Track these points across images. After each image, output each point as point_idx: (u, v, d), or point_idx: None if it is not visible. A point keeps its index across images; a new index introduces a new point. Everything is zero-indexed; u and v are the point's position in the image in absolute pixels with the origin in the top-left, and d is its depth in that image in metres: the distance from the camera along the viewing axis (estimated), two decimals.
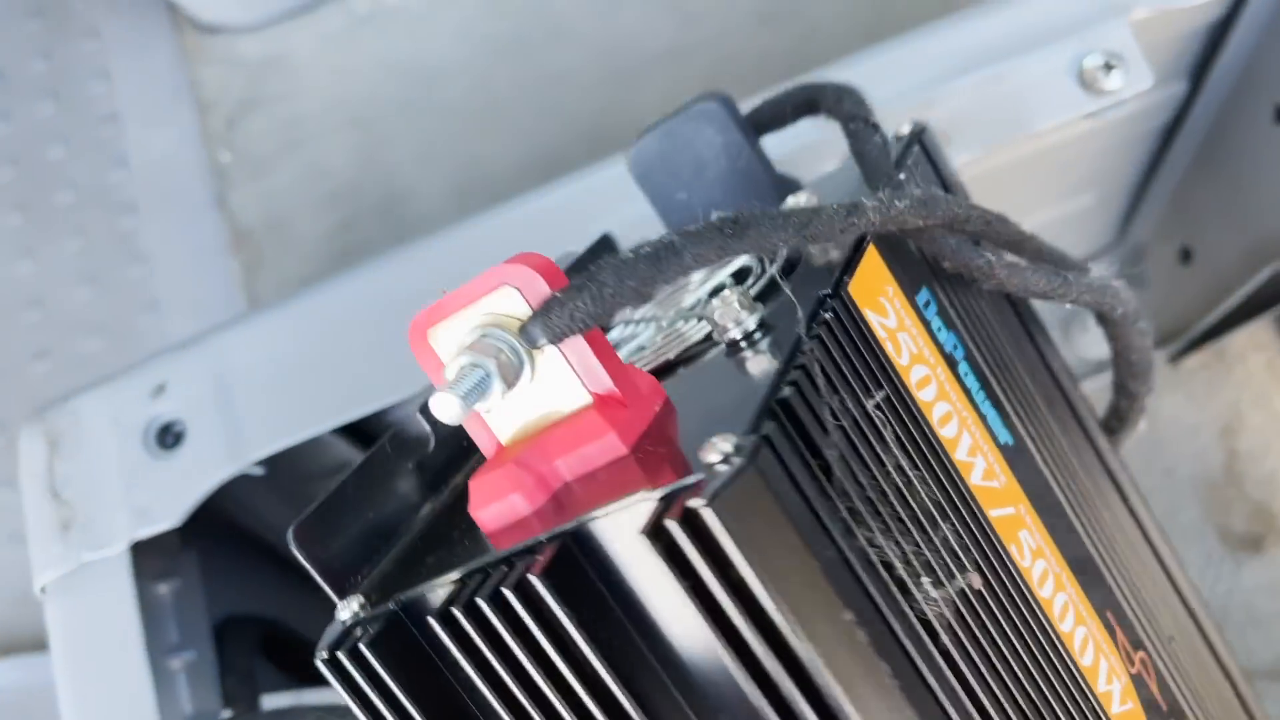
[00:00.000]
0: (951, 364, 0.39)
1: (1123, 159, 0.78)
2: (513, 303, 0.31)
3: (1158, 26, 0.63)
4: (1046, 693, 0.36)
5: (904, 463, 0.33)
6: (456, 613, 0.30)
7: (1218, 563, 0.77)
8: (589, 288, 0.30)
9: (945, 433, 0.36)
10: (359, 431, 0.75)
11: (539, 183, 0.64)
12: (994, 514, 0.37)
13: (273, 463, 0.66)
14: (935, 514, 0.33)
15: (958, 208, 0.37)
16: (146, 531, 0.59)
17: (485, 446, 0.34)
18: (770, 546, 0.26)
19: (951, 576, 0.33)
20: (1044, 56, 0.59)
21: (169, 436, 0.61)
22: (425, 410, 0.39)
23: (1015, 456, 0.40)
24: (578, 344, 0.31)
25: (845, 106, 0.42)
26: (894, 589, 0.30)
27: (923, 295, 0.39)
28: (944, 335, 0.39)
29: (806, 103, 0.45)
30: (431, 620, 0.30)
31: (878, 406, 0.33)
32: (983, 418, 0.39)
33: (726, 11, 1.02)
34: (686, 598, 0.26)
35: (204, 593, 0.70)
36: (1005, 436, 0.40)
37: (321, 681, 0.33)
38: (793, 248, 0.35)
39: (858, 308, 0.34)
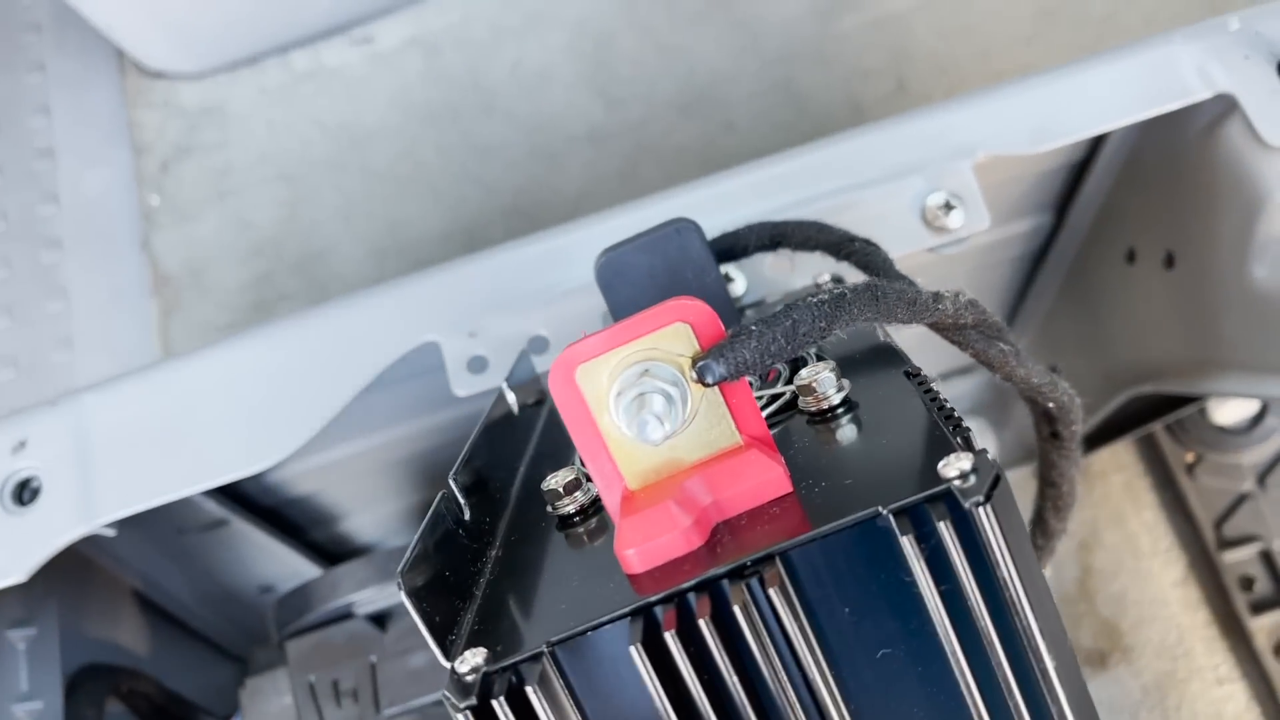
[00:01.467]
0: None
1: (994, 281, 0.81)
2: (681, 339, 0.33)
3: (1014, 164, 0.67)
4: None
5: None
6: (669, 638, 0.31)
7: None
8: (781, 323, 0.32)
9: None
10: (230, 494, 0.77)
11: (458, 250, 0.66)
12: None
13: (132, 522, 0.67)
14: None
15: (983, 313, 0.41)
16: None
17: (610, 485, 0.34)
18: (1015, 541, 0.30)
19: None
20: (892, 190, 0.61)
21: (25, 492, 0.62)
22: (458, 477, 0.41)
23: None
24: (742, 384, 0.33)
25: (828, 236, 0.46)
26: None
27: None
28: None
29: (770, 239, 0.49)
30: (635, 651, 0.30)
31: None
32: None
33: (649, 100, 1.05)
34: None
35: (60, 641, 0.71)
36: None
37: None
38: (901, 321, 0.37)
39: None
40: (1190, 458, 0.83)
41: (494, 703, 0.31)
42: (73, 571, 0.74)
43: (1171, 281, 0.68)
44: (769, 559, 0.31)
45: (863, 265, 0.46)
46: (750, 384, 0.43)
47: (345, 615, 0.66)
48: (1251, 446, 0.80)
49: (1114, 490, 0.84)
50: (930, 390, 0.38)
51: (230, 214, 1.08)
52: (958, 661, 0.31)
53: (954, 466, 0.30)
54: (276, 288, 1.04)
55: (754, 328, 0.32)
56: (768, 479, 0.33)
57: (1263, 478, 0.80)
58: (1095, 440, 0.81)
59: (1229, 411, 0.81)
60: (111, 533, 0.62)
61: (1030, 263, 0.79)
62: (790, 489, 0.33)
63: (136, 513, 0.61)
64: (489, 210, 1.05)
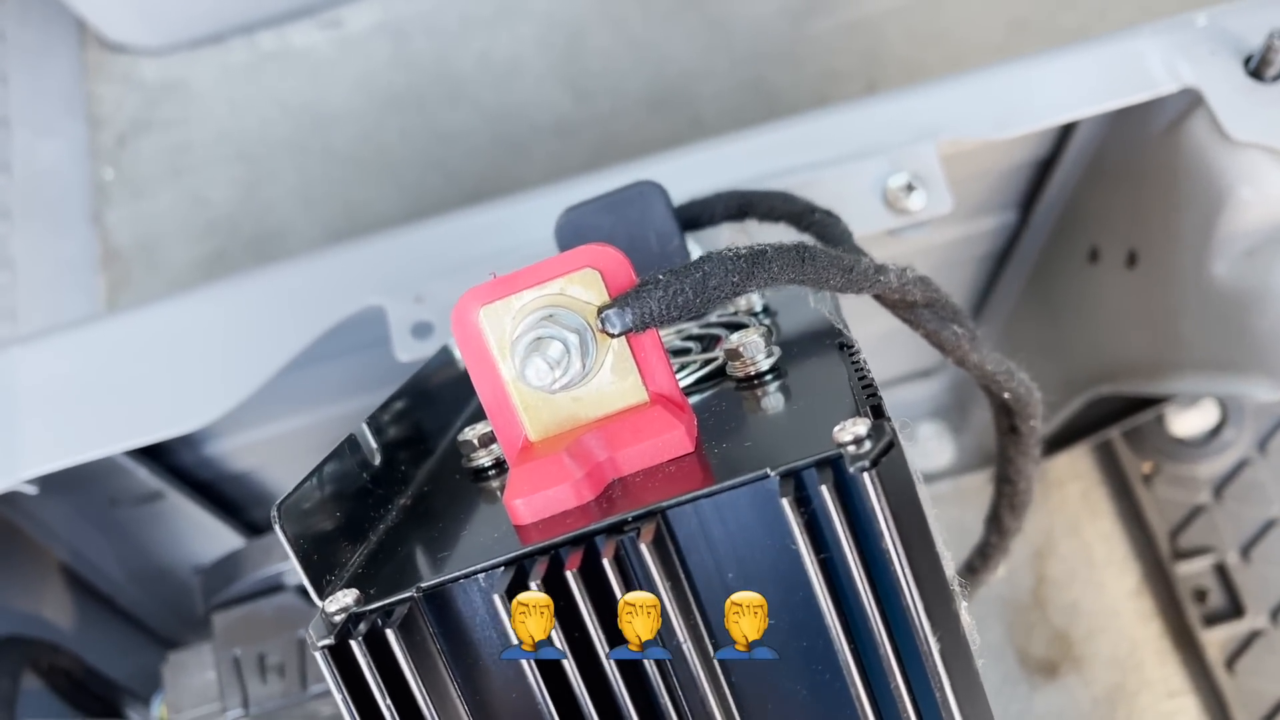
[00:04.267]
0: None
1: (959, 280, 0.80)
2: (591, 287, 0.31)
3: (981, 157, 0.66)
4: None
5: None
6: (534, 587, 0.29)
7: (1013, 684, 0.78)
8: (691, 275, 0.30)
9: None
10: (167, 465, 0.74)
11: None
12: None
13: (68, 483, 0.65)
14: None
15: (935, 291, 0.40)
16: None
17: (510, 437, 0.33)
18: (904, 513, 0.29)
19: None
20: (854, 171, 0.60)
21: None
22: (372, 422, 0.39)
23: None
24: (652, 338, 0.31)
25: (791, 206, 0.45)
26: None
27: None
28: None
29: (738, 208, 0.47)
30: (497, 599, 0.29)
31: None
32: None
33: (618, 94, 1.04)
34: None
35: None
36: None
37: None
38: (835, 289, 0.36)
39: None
40: (1147, 468, 0.82)
41: (352, 643, 0.30)
42: None
43: (1133, 280, 0.67)
44: (650, 516, 0.29)
45: (821, 235, 0.45)
46: (690, 349, 0.42)
47: (275, 587, 0.64)
48: (1209, 458, 0.80)
49: (1071, 499, 0.83)
50: (858, 362, 0.36)
51: (186, 191, 1.06)
52: (837, 636, 0.29)
53: (849, 431, 0.29)
54: (229, 266, 1.02)
55: (662, 278, 0.30)
56: (668, 438, 0.32)
57: (1219, 490, 0.79)
58: (1054, 445, 0.80)
59: (1187, 423, 0.81)
60: (32, 490, 0.60)
61: (994, 262, 0.79)
62: (690, 448, 0.32)
63: (61, 468, 0.58)
64: (450, 197, 1.04)
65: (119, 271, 1.03)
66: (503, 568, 0.30)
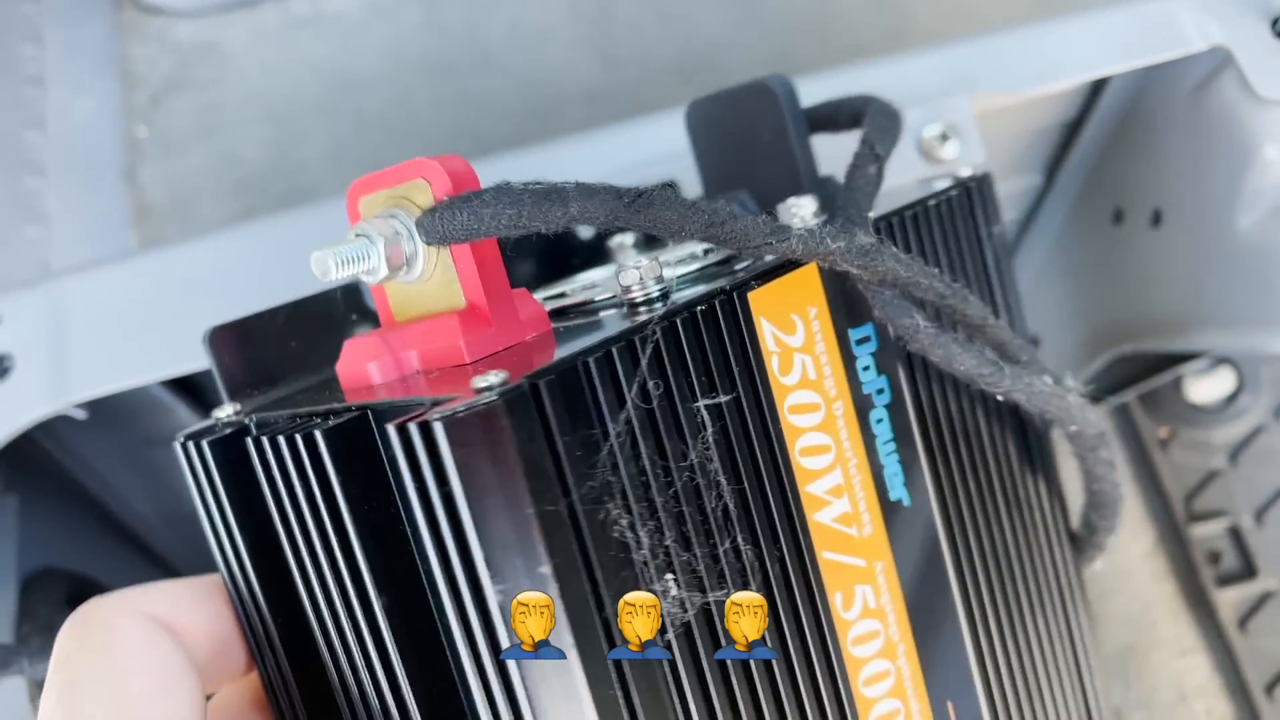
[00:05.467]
0: (862, 405, 0.38)
1: None
2: (422, 195, 0.33)
3: (1012, 117, 0.67)
4: None
5: (718, 469, 0.33)
6: (265, 442, 0.32)
7: None
8: (472, 203, 0.31)
9: (804, 461, 0.36)
10: (206, 404, 0.76)
11: None
12: (828, 555, 0.36)
13: (109, 415, 0.66)
14: (733, 528, 0.33)
15: (904, 269, 0.35)
16: None
17: (382, 318, 0.35)
18: (487, 479, 0.27)
19: (720, 588, 0.32)
20: None
21: None
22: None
23: (902, 517, 0.39)
24: (464, 251, 0.32)
25: (872, 128, 0.42)
26: (621, 569, 0.30)
27: (863, 330, 0.39)
28: (868, 375, 0.39)
29: (856, 114, 0.45)
30: (249, 440, 0.33)
31: (716, 407, 0.33)
32: (878, 467, 0.39)
33: (647, 63, 1.06)
34: (410, 497, 0.29)
35: (18, 539, 0.69)
36: (899, 494, 0.39)
37: None
38: (704, 241, 0.34)
39: (750, 314, 0.34)
40: (1164, 433, 0.83)
41: (190, 442, 0.34)
42: (38, 473, 0.73)
43: (1158, 239, 0.69)
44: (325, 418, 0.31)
45: (848, 176, 0.42)
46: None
47: None
48: (1225, 424, 0.81)
49: None
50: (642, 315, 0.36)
51: (218, 150, 1.07)
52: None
53: (488, 379, 0.28)
54: (243, 220, 1.03)
55: (470, 200, 0.31)
56: (445, 345, 0.32)
57: (1234, 455, 0.81)
58: None
59: (1204, 389, 0.82)
60: (81, 415, 0.61)
61: (1017, 227, 0.80)
62: (465, 360, 0.32)
63: (109, 393, 0.60)
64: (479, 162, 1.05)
65: (151, 228, 1.04)
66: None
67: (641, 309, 0.34)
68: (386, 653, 0.31)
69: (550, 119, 1.06)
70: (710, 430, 0.32)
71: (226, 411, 0.36)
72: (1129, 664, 0.78)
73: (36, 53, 1.14)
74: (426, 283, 0.33)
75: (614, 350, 0.30)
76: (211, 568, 0.37)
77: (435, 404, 0.28)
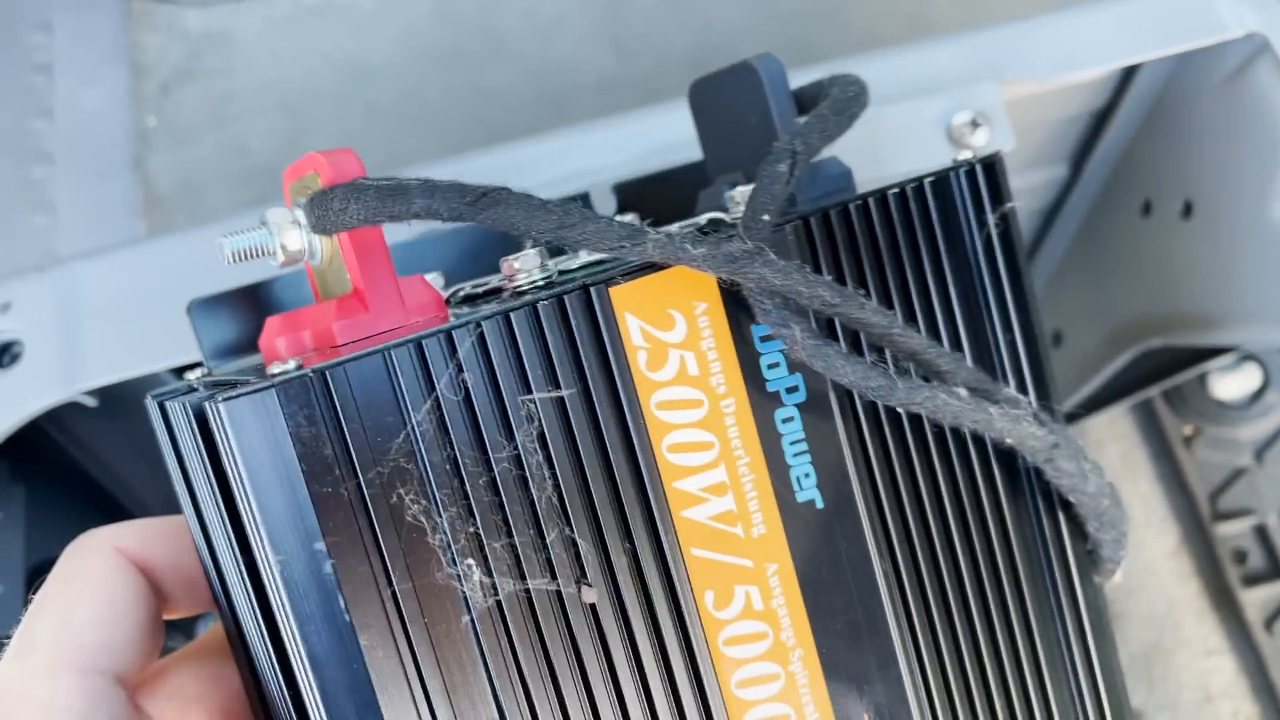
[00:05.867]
0: (764, 403, 0.38)
1: None
2: (315, 186, 0.35)
3: (1039, 105, 0.66)
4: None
5: (541, 461, 0.34)
6: (161, 405, 0.36)
7: None
8: (331, 198, 0.33)
9: (673, 457, 0.36)
10: None
11: None
12: (697, 552, 0.37)
13: (119, 405, 0.65)
14: (563, 519, 0.34)
15: (778, 278, 0.34)
16: None
17: (315, 296, 0.38)
18: (266, 459, 0.30)
19: (543, 575, 0.34)
20: (918, 106, 0.60)
21: (5, 356, 0.60)
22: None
23: (811, 519, 0.39)
24: (344, 239, 0.34)
25: (808, 121, 0.41)
26: (415, 550, 0.32)
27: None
28: (775, 373, 0.38)
29: (816, 96, 0.44)
30: (154, 401, 0.36)
31: (556, 400, 0.34)
32: (781, 466, 0.38)
33: (661, 54, 1.05)
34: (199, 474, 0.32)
35: (25, 531, 0.68)
36: (809, 495, 0.39)
37: None
38: (549, 242, 0.35)
39: (612, 309, 0.35)
40: (1189, 430, 0.82)
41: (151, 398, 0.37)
42: (44, 462, 0.72)
43: (1189, 231, 0.67)
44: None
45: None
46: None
47: None
48: (1250, 421, 0.80)
49: (1111, 460, 0.83)
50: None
51: (228, 140, 1.06)
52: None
53: (285, 365, 0.30)
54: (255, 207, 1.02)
55: (339, 190, 0.33)
56: (324, 326, 0.34)
57: (1260, 453, 0.80)
58: (1096, 404, 0.80)
59: (1230, 385, 0.81)
60: (92, 402, 0.60)
61: (1042, 219, 0.79)
62: (337, 342, 0.34)
63: (120, 381, 0.59)
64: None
65: (160, 217, 1.03)
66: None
67: (526, 295, 0.35)
68: (254, 609, 0.33)
69: (563, 109, 1.05)
70: (540, 423, 0.34)
71: (196, 374, 0.38)
72: (1154, 664, 0.77)
73: (45, 41, 1.13)
74: (329, 267, 0.35)
75: (424, 343, 0.32)
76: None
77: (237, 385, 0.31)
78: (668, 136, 0.63)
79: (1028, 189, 0.76)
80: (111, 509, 0.77)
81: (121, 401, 0.65)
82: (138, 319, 0.61)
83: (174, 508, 0.80)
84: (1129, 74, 0.67)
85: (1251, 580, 0.77)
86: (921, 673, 0.41)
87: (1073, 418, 0.83)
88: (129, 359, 0.60)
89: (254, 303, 0.44)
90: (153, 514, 0.79)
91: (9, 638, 0.33)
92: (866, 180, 0.60)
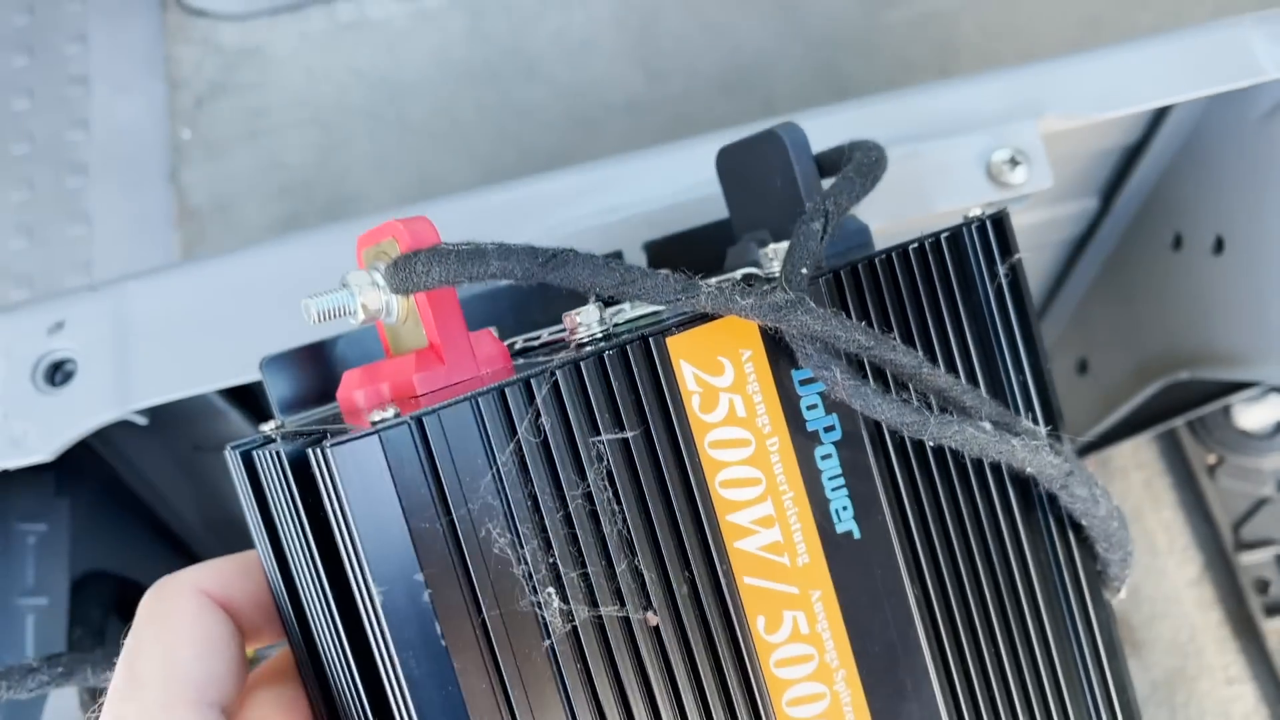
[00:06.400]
0: (805, 441, 0.40)
1: (1035, 264, 0.81)
2: (393, 250, 0.37)
3: (1073, 139, 0.67)
4: None
5: (610, 497, 0.36)
6: (254, 455, 0.37)
7: None
8: (414, 262, 0.35)
9: (726, 493, 0.39)
10: (257, 411, 0.76)
11: None
12: (750, 580, 0.39)
13: (163, 423, 0.66)
14: (631, 550, 0.37)
15: (819, 324, 0.37)
16: (17, 461, 0.59)
17: (385, 351, 0.40)
18: (369, 497, 0.32)
19: (613, 603, 0.36)
20: (958, 144, 0.61)
21: (59, 374, 0.61)
22: None
23: (850, 548, 0.41)
24: (422, 299, 0.37)
25: (836, 183, 0.44)
26: (502, 580, 0.34)
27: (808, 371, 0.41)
28: (814, 413, 0.41)
29: (837, 161, 0.48)
30: (236, 452, 0.38)
31: (621, 441, 0.37)
32: (822, 500, 0.41)
33: (691, 76, 1.06)
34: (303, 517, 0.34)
35: (70, 543, 0.69)
36: (848, 526, 0.42)
37: None
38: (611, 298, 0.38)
39: (669, 357, 0.38)
40: (1212, 459, 0.83)
41: (239, 449, 0.38)
42: (89, 477, 0.73)
43: (1219, 266, 0.68)
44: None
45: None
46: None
47: None
48: (1274, 452, 0.81)
49: (1134, 487, 0.84)
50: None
51: (262, 153, 1.08)
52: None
53: (384, 414, 0.32)
54: (302, 228, 1.03)
55: (422, 255, 0.35)
56: (404, 379, 0.37)
57: None
58: (1120, 432, 0.81)
59: (1255, 416, 0.82)
60: (143, 420, 0.61)
61: (1071, 249, 0.80)
62: (417, 393, 0.36)
63: (170, 401, 0.60)
64: (522, 171, 1.05)
65: (194, 229, 1.05)
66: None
67: (587, 347, 0.38)
68: (340, 639, 0.35)
69: (593, 129, 1.06)
70: (608, 462, 0.36)
71: (270, 426, 0.40)
72: (1176, 691, 0.78)
73: (81, 52, 1.15)
74: (404, 324, 0.38)
75: (506, 390, 0.34)
76: None
77: (342, 433, 0.33)
78: (695, 175, 0.64)
79: (1059, 219, 0.77)
80: (152, 523, 0.78)
81: (164, 418, 0.66)
82: (187, 340, 0.62)
83: (213, 525, 0.81)
84: (1163, 110, 0.68)
85: (1273, 610, 0.78)
86: (951, 689, 0.44)
87: (1097, 445, 0.84)
88: (180, 380, 0.61)
89: (321, 356, 0.46)
90: (193, 530, 0.80)
91: (108, 676, 0.35)
92: (907, 220, 0.62)
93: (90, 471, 0.73)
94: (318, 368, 0.49)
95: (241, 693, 0.37)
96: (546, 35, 1.10)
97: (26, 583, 0.66)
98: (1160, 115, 0.68)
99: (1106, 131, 0.69)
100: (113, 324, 0.62)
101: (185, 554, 0.82)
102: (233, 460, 0.39)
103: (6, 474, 0.61)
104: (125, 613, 0.74)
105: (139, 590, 0.74)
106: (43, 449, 0.60)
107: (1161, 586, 0.81)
